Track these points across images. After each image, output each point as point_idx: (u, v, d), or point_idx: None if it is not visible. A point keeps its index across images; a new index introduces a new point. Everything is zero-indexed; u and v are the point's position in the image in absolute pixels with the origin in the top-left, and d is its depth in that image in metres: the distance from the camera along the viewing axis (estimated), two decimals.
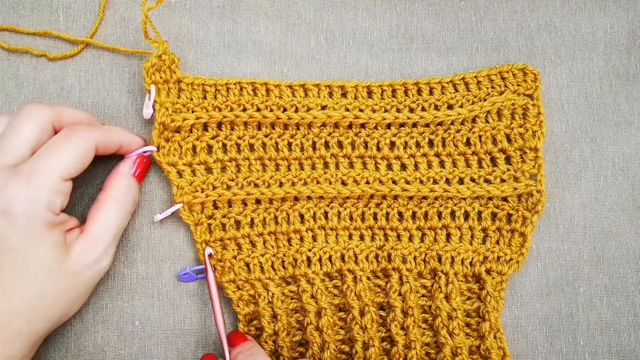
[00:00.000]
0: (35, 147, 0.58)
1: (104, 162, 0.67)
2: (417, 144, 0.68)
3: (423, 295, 0.66)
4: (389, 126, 0.68)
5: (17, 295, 0.55)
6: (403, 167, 0.68)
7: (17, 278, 0.55)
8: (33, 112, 0.59)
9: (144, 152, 0.65)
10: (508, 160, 0.68)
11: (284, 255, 0.66)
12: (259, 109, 0.67)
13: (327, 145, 0.68)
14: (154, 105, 0.65)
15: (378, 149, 0.67)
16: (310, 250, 0.66)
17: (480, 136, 0.67)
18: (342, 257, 0.66)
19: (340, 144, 0.68)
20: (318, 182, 0.67)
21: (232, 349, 0.62)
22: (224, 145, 0.67)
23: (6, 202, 0.54)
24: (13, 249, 0.54)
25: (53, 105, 0.61)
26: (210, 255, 0.65)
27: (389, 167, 0.68)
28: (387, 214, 0.67)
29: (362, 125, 0.67)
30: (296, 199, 0.67)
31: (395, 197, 0.67)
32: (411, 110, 0.68)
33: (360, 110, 0.68)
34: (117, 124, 0.69)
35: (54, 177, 0.56)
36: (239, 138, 0.67)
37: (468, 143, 0.68)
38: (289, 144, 0.67)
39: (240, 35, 0.71)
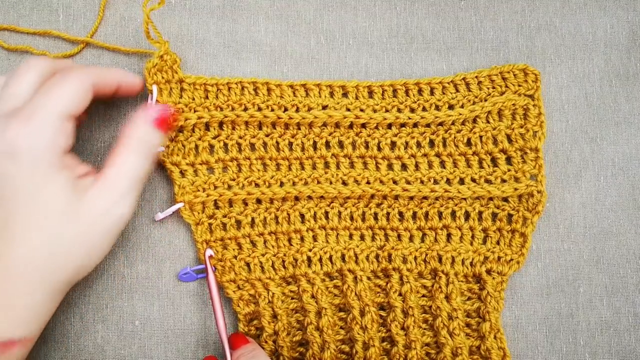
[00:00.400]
0: (33, 93, 0.57)
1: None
2: (418, 144, 0.68)
3: (423, 296, 0.66)
4: (389, 126, 0.68)
5: (31, 240, 0.53)
6: (404, 167, 0.68)
7: (30, 222, 0.53)
8: (33, 63, 0.59)
9: None
10: (509, 160, 0.68)
11: (285, 255, 0.66)
12: (260, 109, 0.67)
13: (328, 145, 0.68)
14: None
15: (379, 149, 0.67)
16: (310, 250, 0.66)
17: (481, 136, 0.67)
18: (343, 257, 0.66)
19: (341, 144, 0.68)
20: (319, 182, 0.67)
21: (234, 351, 0.62)
22: (225, 144, 0.67)
23: (9, 144, 0.53)
24: (22, 191, 0.53)
25: (53, 59, 0.62)
26: (210, 257, 0.65)
27: (390, 167, 0.68)
28: (388, 214, 0.67)
29: (363, 125, 0.67)
30: (297, 198, 0.67)
31: (396, 197, 0.67)
32: (412, 110, 0.68)
33: (362, 110, 0.68)
34: (118, 123, 0.69)
35: (53, 115, 0.55)
36: (240, 137, 0.67)
37: (469, 143, 0.68)
38: (290, 144, 0.67)
39: (240, 35, 0.71)
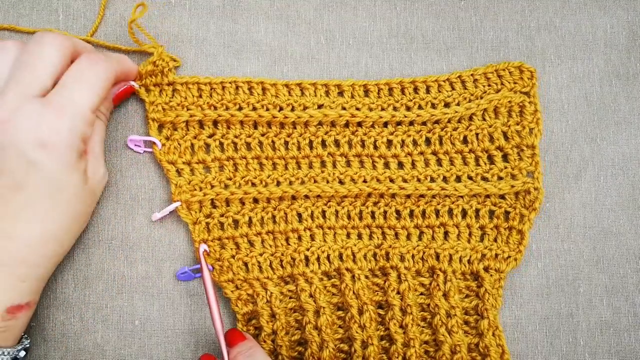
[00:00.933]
0: (56, 75, 0.59)
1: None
2: (414, 142, 0.68)
3: (421, 294, 0.66)
4: (385, 124, 0.68)
5: (53, 221, 0.58)
6: (400, 165, 0.68)
7: (54, 205, 0.57)
8: (53, 40, 0.59)
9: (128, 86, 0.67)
10: (505, 157, 0.68)
11: (282, 254, 0.66)
12: (255, 108, 0.67)
13: (324, 144, 0.68)
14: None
15: (375, 147, 0.67)
16: (308, 250, 0.66)
17: (477, 134, 0.67)
18: (340, 256, 0.66)
19: (337, 143, 0.68)
20: (315, 181, 0.67)
21: (231, 348, 0.61)
22: (221, 143, 0.67)
23: (44, 135, 0.55)
24: (51, 179, 0.56)
25: (67, 35, 0.64)
26: (206, 253, 0.65)
27: (386, 165, 0.68)
28: (385, 212, 0.67)
29: (359, 124, 0.67)
30: (294, 198, 0.67)
31: (393, 196, 0.67)
32: (408, 108, 0.68)
33: (357, 109, 0.68)
34: (117, 122, 0.69)
35: (85, 109, 0.58)
36: (236, 137, 0.67)
37: (465, 141, 0.68)
38: (286, 143, 0.67)
39: (240, 35, 0.71)
